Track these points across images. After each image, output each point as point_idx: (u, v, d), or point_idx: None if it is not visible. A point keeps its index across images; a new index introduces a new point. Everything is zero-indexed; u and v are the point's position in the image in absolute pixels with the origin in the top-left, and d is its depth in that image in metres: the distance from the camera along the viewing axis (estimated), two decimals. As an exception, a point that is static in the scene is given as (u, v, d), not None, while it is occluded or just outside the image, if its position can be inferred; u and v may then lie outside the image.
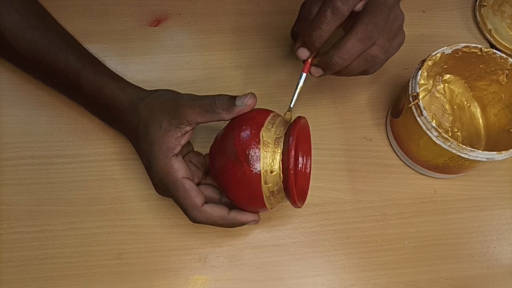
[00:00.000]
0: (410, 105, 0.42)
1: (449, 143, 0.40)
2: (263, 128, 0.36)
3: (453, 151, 0.40)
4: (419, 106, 0.41)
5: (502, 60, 0.44)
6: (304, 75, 0.40)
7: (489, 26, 0.55)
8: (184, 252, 0.44)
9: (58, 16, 0.47)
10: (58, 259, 0.43)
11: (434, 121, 0.49)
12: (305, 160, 0.42)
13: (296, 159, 0.36)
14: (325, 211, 0.46)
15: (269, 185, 0.36)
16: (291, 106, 0.40)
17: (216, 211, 0.38)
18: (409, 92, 0.42)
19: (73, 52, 0.43)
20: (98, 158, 0.47)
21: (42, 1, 0.47)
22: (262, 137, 0.36)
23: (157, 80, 0.51)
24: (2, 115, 0.48)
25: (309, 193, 0.46)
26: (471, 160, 0.40)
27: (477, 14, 0.56)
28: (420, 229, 0.46)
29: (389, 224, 0.46)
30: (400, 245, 0.45)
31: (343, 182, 0.47)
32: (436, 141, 0.41)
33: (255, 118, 0.37)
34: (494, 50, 0.44)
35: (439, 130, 0.40)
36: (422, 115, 0.41)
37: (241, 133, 0.36)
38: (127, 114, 0.41)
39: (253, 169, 0.35)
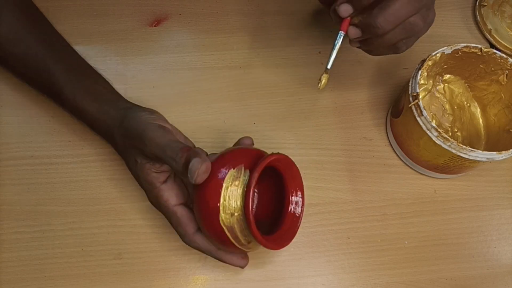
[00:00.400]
0: (410, 105, 0.42)
1: (449, 143, 0.40)
2: (235, 165, 0.34)
3: (453, 151, 0.40)
4: (419, 106, 0.41)
5: (502, 60, 0.44)
6: (342, 34, 0.36)
7: (489, 26, 0.55)
8: (184, 252, 0.44)
9: (58, 16, 0.47)
10: (58, 259, 0.43)
11: (434, 121, 0.49)
12: (292, 197, 0.39)
13: (252, 199, 0.33)
14: (325, 211, 0.46)
15: (232, 219, 0.34)
16: (328, 67, 0.37)
17: (205, 244, 0.38)
18: (409, 92, 0.42)
19: (57, 66, 0.42)
20: (98, 158, 0.47)
21: (42, 1, 0.46)
22: (230, 172, 0.34)
23: (157, 80, 0.51)
24: (2, 115, 0.48)
25: (309, 193, 0.46)
26: (471, 160, 0.40)
27: (477, 14, 0.56)
28: (420, 229, 0.46)
29: (389, 224, 0.46)
30: (400, 245, 0.45)
31: (343, 182, 0.47)
32: (436, 141, 0.41)
33: (232, 154, 0.36)
34: (494, 50, 0.44)
35: (439, 130, 0.40)
36: (422, 115, 0.41)
37: (215, 168, 0.34)
38: (108, 139, 0.42)
39: (215, 200, 0.34)
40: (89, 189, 0.46)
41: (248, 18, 0.55)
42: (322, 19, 0.55)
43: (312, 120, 0.50)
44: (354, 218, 0.46)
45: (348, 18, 0.36)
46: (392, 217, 0.46)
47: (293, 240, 0.45)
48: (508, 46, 0.54)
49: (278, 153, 0.36)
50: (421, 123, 0.41)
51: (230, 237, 0.35)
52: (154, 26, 0.54)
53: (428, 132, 0.41)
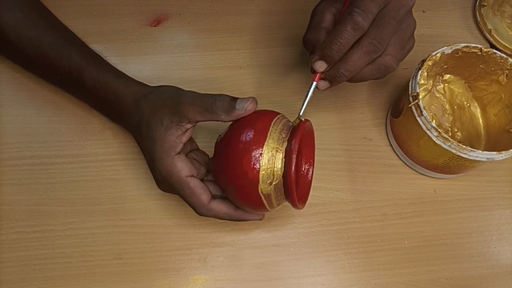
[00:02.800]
0: (410, 105, 0.42)
1: (449, 143, 0.40)
2: (268, 131, 0.36)
3: (453, 151, 0.40)
4: (419, 106, 0.41)
5: (502, 60, 0.44)
6: (314, 83, 0.39)
7: (489, 26, 0.55)
8: (184, 252, 0.44)
9: (58, 16, 0.47)
10: (58, 259, 0.43)
11: (434, 121, 0.49)
12: (307, 164, 0.42)
13: (298, 163, 0.36)
14: (325, 211, 0.46)
15: (270, 188, 0.36)
16: (300, 114, 0.39)
17: (222, 209, 0.39)
18: (409, 92, 0.42)
19: (76, 49, 0.44)
20: (98, 158, 0.47)
21: (42, 1, 0.47)
22: (267, 140, 0.35)
23: (157, 80, 0.51)
24: (2, 115, 0.48)
25: (309, 193, 0.47)
26: (471, 160, 0.40)
27: (477, 14, 0.56)
28: (420, 229, 0.46)
29: (389, 224, 0.46)
30: (400, 245, 0.45)
31: (343, 182, 0.47)
32: (436, 141, 0.41)
33: (261, 120, 0.37)
34: (494, 50, 0.44)
35: (439, 130, 0.40)
36: (422, 115, 0.41)
37: (245, 135, 0.36)
38: (130, 111, 0.42)
39: (254, 171, 0.35)
40: (89, 189, 0.46)
41: (248, 18, 0.55)
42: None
43: (312, 120, 0.50)
44: (354, 218, 0.46)
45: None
46: (392, 217, 0.46)
47: (293, 240, 0.45)
48: (508, 46, 0.54)
49: (306, 119, 0.39)
50: (421, 123, 0.41)
51: (266, 204, 0.37)
52: (154, 26, 0.54)
53: (428, 132, 0.41)
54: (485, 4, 0.56)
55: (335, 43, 0.36)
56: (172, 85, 0.41)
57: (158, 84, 0.50)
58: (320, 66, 0.38)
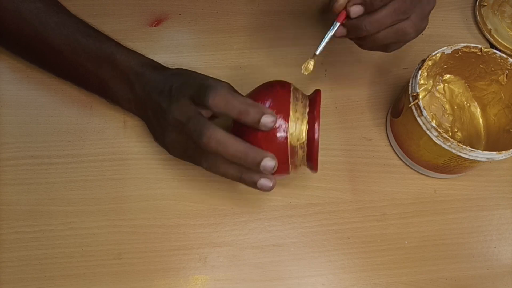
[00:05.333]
0: (410, 105, 0.42)
1: (449, 143, 0.40)
2: (290, 101, 0.38)
3: (453, 151, 0.40)
4: (419, 106, 0.41)
5: (502, 60, 0.44)
6: (338, 24, 0.39)
7: (489, 26, 0.55)
8: (184, 252, 0.44)
9: (58, 16, 0.47)
10: (58, 259, 0.43)
11: (434, 121, 0.49)
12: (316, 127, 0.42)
13: (318, 135, 0.38)
14: (325, 211, 0.46)
15: (297, 143, 0.38)
16: (317, 53, 0.39)
17: (235, 141, 0.35)
18: (409, 92, 0.42)
19: (102, 35, 0.45)
20: (98, 158, 0.47)
21: (42, 1, 0.47)
22: (291, 109, 0.37)
23: (157, 80, 0.51)
24: (2, 115, 0.48)
25: (309, 193, 0.47)
26: (471, 160, 0.40)
27: (477, 14, 0.56)
28: (420, 229, 0.46)
29: (389, 224, 0.46)
30: (400, 245, 0.45)
31: (343, 182, 0.47)
32: (436, 141, 0.41)
33: (280, 92, 0.39)
34: (494, 50, 0.44)
35: (439, 130, 0.40)
36: (422, 115, 0.41)
37: (271, 105, 0.38)
38: (139, 85, 0.42)
39: (282, 137, 0.37)
40: (89, 189, 0.46)
41: (248, 18, 0.55)
42: (322, 19, 0.55)
43: (312, 120, 0.50)
44: (354, 218, 0.46)
45: (344, 10, 0.39)
46: (392, 217, 0.46)
47: (293, 240, 0.45)
48: (508, 46, 0.54)
49: (318, 89, 0.40)
50: (421, 123, 0.41)
51: (289, 156, 0.38)
52: (154, 26, 0.54)
53: (428, 132, 0.41)
54: (485, 4, 0.56)
55: None
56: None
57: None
58: (357, 11, 0.37)
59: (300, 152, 0.39)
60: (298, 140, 0.38)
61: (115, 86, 0.44)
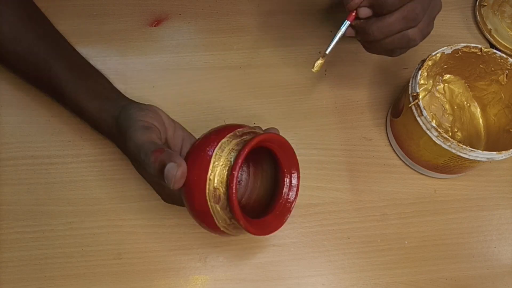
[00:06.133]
0: (410, 105, 0.42)
1: (449, 143, 0.40)
2: (222, 140, 0.33)
3: (453, 151, 0.40)
4: (419, 106, 0.41)
5: (502, 60, 0.44)
6: (348, 23, 0.38)
7: (489, 26, 0.55)
8: (184, 252, 0.44)
9: (58, 16, 0.47)
10: (58, 259, 0.43)
11: (434, 121, 0.49)
12: (287, 181, 0.37)
13: (236, 183, 0.31)
14: (325, 211, 0.46)
15: (217, 203, 0.32)
16: (327, 52, 0.38)
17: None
18: (409, 92, 0.42)
19: (60, 64, 0.42)
20: (98, 158, 0.47)
21: (42, 1, 0.46)
22: (218, 147, 0.32)
23: (157, 80, 0.51)
24: (2, 115, 0.48)
25: (309, 193, 0.47)
26: (471, 160, 0.40)
27: (477, 14, 0.56)
28: (420, 229, 0.46)
29: (389, 224, 0.46)
30: (400, 245, 0.45)
31: (343, 182, 0.47)
32: (436, 141, 0.41)
33: (222, 130, 0.34)
34: (494, 50, 0.44)
35: (439, 130, 0.40)
36: (422, 115, 0.41)
37: (203, 142, 0.33)
38: (110, 138, 0.43)
39: (201, 180, 0.32)
40: (89, 189, 0.46)
41: (248, 18, 0.55)
42: (322, 19, 0.55)
43: (312, 120, 0.50)
44: (354, 218, 0.46)
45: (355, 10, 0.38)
46: (392, 217, 0.46)
47: (293, 240, 0.45)
48: (508, 46, 0.54)
49: (269, 132, 0.34)
50: (421, 123, 0.41)
51: (215, 219, 0.33)
52: (154, 26, 0.54)
53: (428, 132, 0.41)
54: (485, 4, 0.56)
55: None
56: (130, 112, 0.38)
57: (159, 84, 0.50)
58: (366, 13, 0.37)
59: (223, 201, 0.32)
60: (215, 188, 0.32)
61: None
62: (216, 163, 0.32)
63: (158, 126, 0.37)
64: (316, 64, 0.40)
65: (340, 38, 0.39)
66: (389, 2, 0.35)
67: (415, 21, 0.37)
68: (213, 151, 0.32)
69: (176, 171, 0.31)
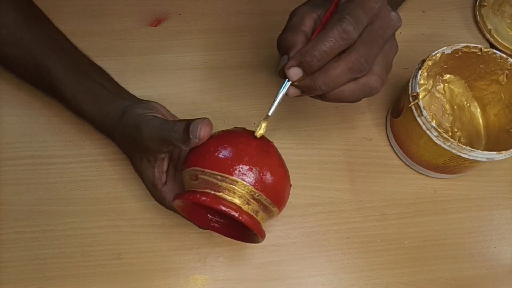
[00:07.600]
0: (410, 105, 0.42)
1: (449, 143, 0.40)
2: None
3: (453, 151, 0.40)
4: (419, 106, 0.41)
5: (502, 60, 0.44)
6: (288, 83, 0.35)
7: (489, 26, 0.55)
8: (184, 252, 0.44)
9: (58, 16, 0.47)
10: (58, 259, 0.43)
11: (434, 121, 0.48)
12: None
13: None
14: (325, 211, 0.46)
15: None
16: (269, 114, 0.36)
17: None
18: (409, 92, 0.42)
19: (59, 66, 0.42)
20: (98, 158, 0.47)
21: (42, 1, 0.46)
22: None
23: (157, 80, 0.51)
24: (2, 115, 0.48)
25: (309, 193, 0.47)
26: (471, 160, 0.40)
27: (477, 14, 0.56)
28: (420, 229, 0.46)
29: (389, 224, 0.46)
30: (400, 245, 0.45)
31: (343, 182, 0.47)
32: (436, 141, 0.41)
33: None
34: (494, 50, 0.44)
35: (439, 130, 0.40)
36: (422, 115, 0.41)
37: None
38: (111, 139, 0.44)
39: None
40: (89, 189, 0.46)
41: (248, 18, 0.55)
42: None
43: (312, 120, 0.50)
44: (354, 218, 0.46)
45: None
46: (392, 217, 0.46)
47: (293, 240, 0.45)
48: (508, 46, 0.54)
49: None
50: (421, 123, 0.41)
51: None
52: (154, 26, 0.54)
53: (428, 132, 0.41)
54: (485, 4, 0.56)
55: (318, 50, 0.32)
56: (136, 112, 0.38)
57: (159, 84, 0.50)
58: (295, 74, 0.34)
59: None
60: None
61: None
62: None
63: (169, 117, 0.40)
64: (260, 127, 0.36)
65: (282, 99, 0.36)
66: (317, 56, 0.32)
67: (362, 71, 0.34)
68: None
69: (201, 121, 0.32)
